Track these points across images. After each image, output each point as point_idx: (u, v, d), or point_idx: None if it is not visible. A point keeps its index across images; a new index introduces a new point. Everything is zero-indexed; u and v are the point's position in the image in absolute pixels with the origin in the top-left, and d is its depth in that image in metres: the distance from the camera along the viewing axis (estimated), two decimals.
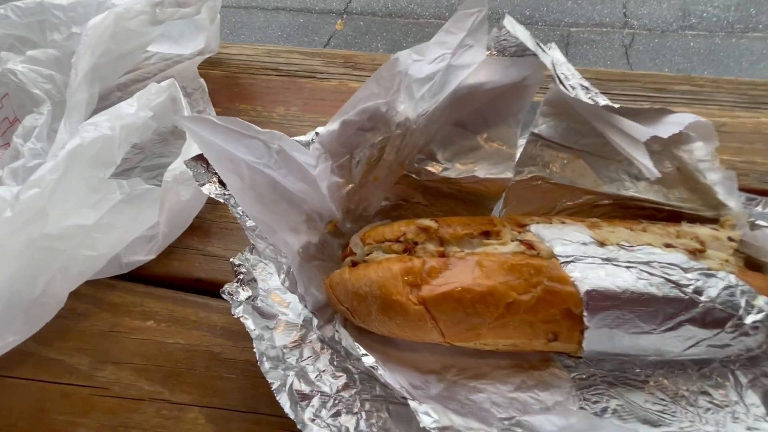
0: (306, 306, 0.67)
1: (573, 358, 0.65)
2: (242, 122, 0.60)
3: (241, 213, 0.64)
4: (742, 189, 0.93)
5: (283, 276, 0.66)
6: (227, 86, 1.17)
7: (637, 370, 0.66)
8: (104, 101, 1.02)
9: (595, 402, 0.62)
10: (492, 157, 0.75)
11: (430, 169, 0.75)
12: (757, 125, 1.00)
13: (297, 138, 0.68)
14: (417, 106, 0.66)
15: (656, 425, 0.60)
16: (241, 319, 0.65)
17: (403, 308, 0.60)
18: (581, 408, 0.61)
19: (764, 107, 1.04)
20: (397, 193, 0.78)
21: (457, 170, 0.75)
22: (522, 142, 0.77)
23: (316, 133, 0.66)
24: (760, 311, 0.58)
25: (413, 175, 0.76)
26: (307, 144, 0.67)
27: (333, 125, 0.66)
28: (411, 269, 0.62)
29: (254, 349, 0.63)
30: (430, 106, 0.66)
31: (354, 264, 0.68)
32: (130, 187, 0.80)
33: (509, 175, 0.74)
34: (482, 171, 0.75)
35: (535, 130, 0.75)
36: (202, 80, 1.13)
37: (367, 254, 0.68)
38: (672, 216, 0.75)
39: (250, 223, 0.64)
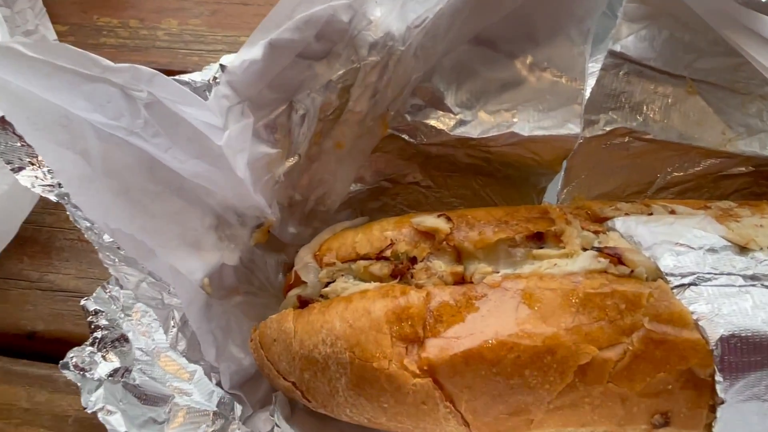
0: (220, 383, 0.61)
1: None
2: (80, 52, 0.51)
3: (89, 223, 0.56)
4: None
5: (173, 331, 0.60)
6: None
7: None
8: None
9: None
10: (543, 98, 0.69)
11: (433, 123, 0.69)
12: None
13: (186, 76, 0.60)
14: (406, 11, 0.58)
15: None
16: (100, 415, 0.58)
17: (394, 383, 0.54)
18: None
19: None
20: (378, 169, 0.72)
21: (482, 124, 0.69)
22: (595, 67, 0.71)
23: (222, 67, 0.58)
24: None
25: (404, 137, 0.70)
26: (204, 87, 0.60)
27: (252, 51, 0.58)
28: (405, 311, 0.56)
29: None
30: (431, 8, 0.58)
31: (303, 303, 0.61)
32: None
33: (575, 129, 0.68)
34: (526, 124, 0.68)
35: (617, 47, 0.69)
36: None
37: (328, 283, 0.61)
38: None
39: (107, 238, 0.57)
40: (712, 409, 0.54)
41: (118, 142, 0.56)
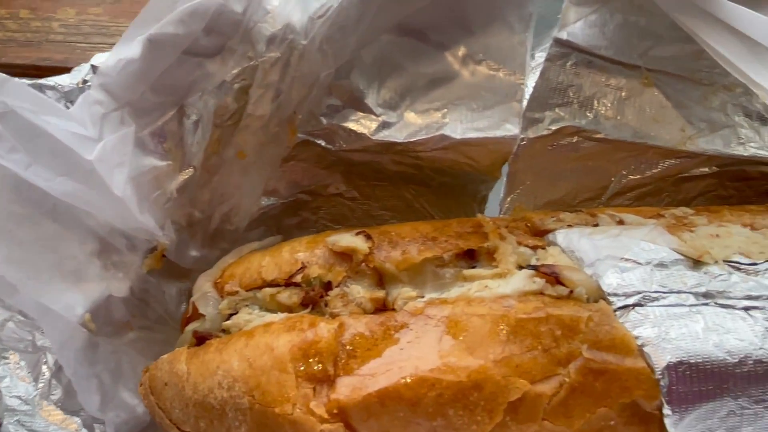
0: None
1: None
2: None
3: None
4: None
5: (45, 378, 0.58)
6: None
7: None
8: None
9: None
10: (478, 95, 0.69)
11: (352, 127, 0.68)
12: None
13: (52, 79, 0.59)
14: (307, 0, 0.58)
15: None
16: None
17: (299, 429, 0.54)
18: None
19: None
20: (293, 180, 0.72)
21: (408, 126, 0.69)
22: (541, 58, 0.71)
23: (93, 68, 0.58)
24: None
25: (321, 142, 0.69)
26: (77, 92, 0.59)
27: (129, 48, 0.57)
28: (313, 346, 0.55)
29: None
30: None
31: (201, 339, 0.60)
32: None
33: (513, 130, 0.68)
34: (459, 125, 0.69)
35: (563, 34, 0.70)
36: None
37: (230, 315, 0.61)
38: None
39: None
40: None
41: None
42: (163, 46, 0.57)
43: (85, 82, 0.58)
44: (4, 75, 0.52)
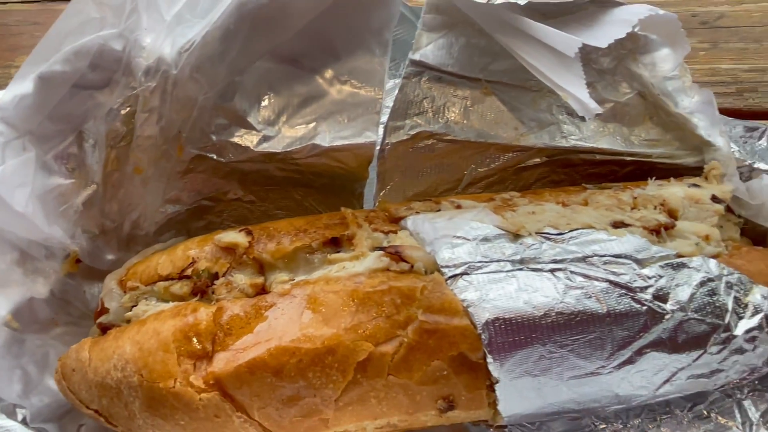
0: (26, 420, 0.56)
1: (499, 427, 0.58)
2: None
3: None
4: (747, 113, 0.91)
5: None
6: None
7: (602, 427, 0.62)
8: None
9: None
10: (342, 109, 0.67)
11: (237, 141, 0.66)
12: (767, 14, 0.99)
13: None
14: (174, 36, 0.55)
15: None
16: None
17: (182, 400, 0.51)
18: None
19: None
20: (195, 189, 0.69)
21: (284, 138, 0.67)
22: (397, 79, 0.70)
23: None
24: (756, 312, 0.53)
25: (212, 156, 0.67)
26: None
27: (21, 85, 0.54)
28: (194, 328, 0.53)
29: None
30: (197, 33, 0.55)
31: (104, 329, 0.57)
32: None
33: (372, 137, 0.67)
34: (327, 134, 0.67)
35: (416, 56, 0.68)
36: None
37: (131, 308, 0.58)
38: (641, 171, 0.71)
39: None
40: (492, 389, 0.53)
41: None
42: (53, 82, 0.54)
43: None
44: None
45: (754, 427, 0.60)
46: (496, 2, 0.61)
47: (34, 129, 0.55)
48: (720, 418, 0.61)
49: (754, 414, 0.61)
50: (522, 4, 0.60)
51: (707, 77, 0.91)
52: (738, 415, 0.61)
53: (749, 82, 0.92)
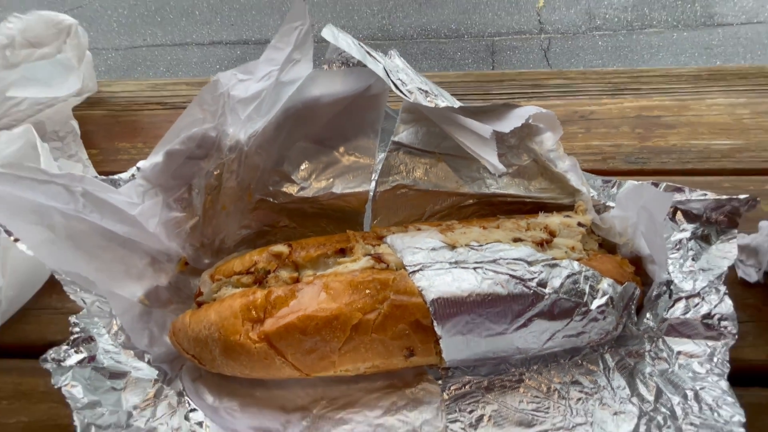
0: (150, 361, 0.59)
1: (444, 369, 0.60)
2: (31, 167, 0.52)
3: (54, 269, 0.55)
4: (608, 172, 0.94)
5: (114, 329, 0.58)
6: (107, 126, 1.09)
7: (513, 370, 0.63)
8: None
9: (471, 411, 0.58)
10: (349, 171, 0.72)
11: (285, 190, 0.70)
12: (621, 110, 1.03)
13: (117, 175, 0.61)
14: (246, 127, 0.61)
15: (530, 425, 0.56)
16: (65, 389, 0.56)
17: (245, 348, 0.54)
18: (455, 421, 0.56)
19: (627, 92, 1.07)
20: (260, 220, 0.72)
21: (313, 189, 0.71)
22: (384, 152, 0.74)
23: (138, 168, 0.60)
24: (603, 294, 0.56)
25: (270, 199, 0.71)
26: (128, 180, 0.61)
27: (156, 157, 0.59)
28: (253, 303, 0.56)
29: (74, 422, 0.54)
30: (260, 126, 0.61)
31: (199, 305, 0.61)
32: None
33: (366, 187, 0.71)
34: (340, 186, 0.71)
35: (396, 138, 0.73)
36: (74, 122, 1.04)
37: (216, 291, 0.62)
38: (536, 207, 0.74)
39: (67, 278, 0.56)
40: (437, 343, 0.56)
41: (75, 217, 0.56)
42: (174, 155, 0.59)
43: (133, 176, 0.60)
44: (82, 174, 0.54)
45: (610, 371, 0.61)
46: (441, 106, 0.66)
47: (162, 183, 0.60)
48: (589, 365, 0.61)
49: (611, 362, 0.61)
50: (456, 108, 0.66)
51: (583, 150, 0.95)
52: (600, 363, 0.61)
53: (610, 153, 0.96)
